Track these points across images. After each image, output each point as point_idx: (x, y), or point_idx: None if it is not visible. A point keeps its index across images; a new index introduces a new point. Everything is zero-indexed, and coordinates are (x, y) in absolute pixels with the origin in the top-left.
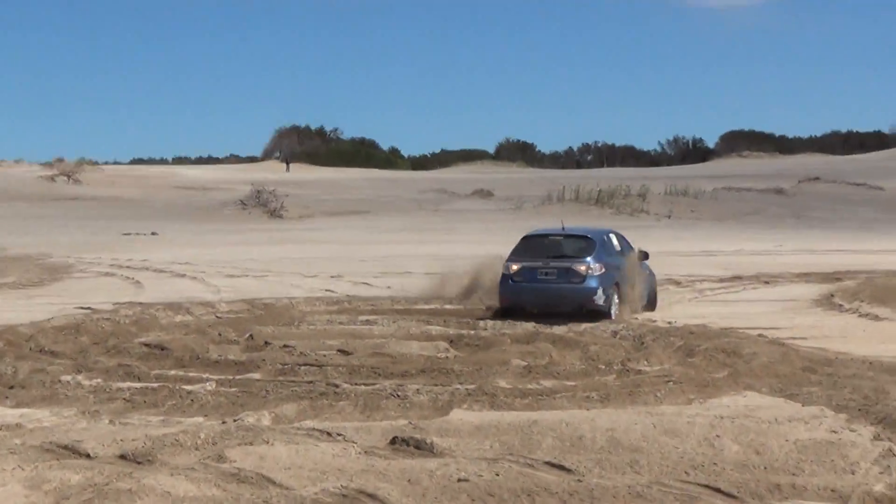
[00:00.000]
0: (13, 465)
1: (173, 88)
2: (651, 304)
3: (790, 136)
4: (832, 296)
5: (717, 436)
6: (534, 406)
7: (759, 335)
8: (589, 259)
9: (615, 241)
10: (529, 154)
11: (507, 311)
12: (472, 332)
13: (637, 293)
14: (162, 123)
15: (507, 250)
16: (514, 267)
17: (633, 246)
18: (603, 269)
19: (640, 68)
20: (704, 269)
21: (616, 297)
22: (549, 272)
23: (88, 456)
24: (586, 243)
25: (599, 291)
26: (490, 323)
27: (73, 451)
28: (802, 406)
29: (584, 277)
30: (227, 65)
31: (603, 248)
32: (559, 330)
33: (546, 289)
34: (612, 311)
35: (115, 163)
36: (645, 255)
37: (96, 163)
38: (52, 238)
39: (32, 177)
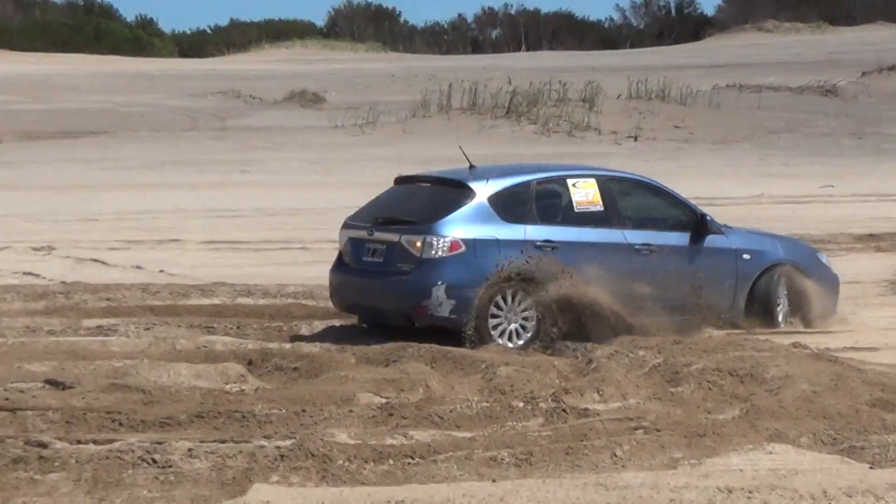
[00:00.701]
0: None
1: None
2: (765, 311)
3: None
4: None
5: None
6: (398, 476)
7: (794, 344)
8: (436, 226)
9: (586, 193)
10: (388, 29)
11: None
12: (289, 345)
13: (656, 298)
14: None
15: (353, 197)
16: (343, 239)
17: (686, 203)
18: (463, 248)
19: None
20: None
21: (523, 307)
22: (376, 250)
23: None
24: (456, 195)
25: (438, 292)
26: (320, 329)
27: None
28: (871, 468)
29: (416, 263)
30: None
31: (493, 207)
32: (443, 340)
33: (362, 283)
34: (502, 336)
35: None
36: (700, 224)
37: None
38: None
39: None
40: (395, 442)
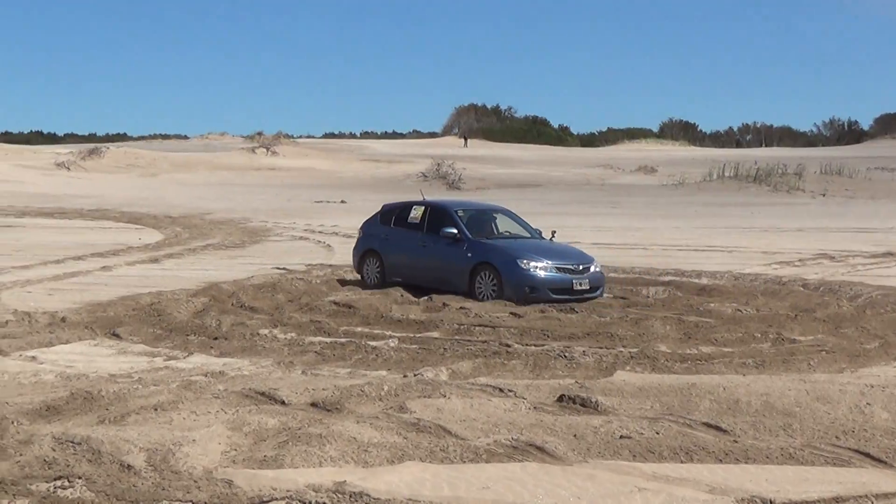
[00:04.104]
0: (217, 408)
1: (364, 70)
2: None
3: None
4: None
5: (868, 404)
6: (692, 370)
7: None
8: None
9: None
10: (691, 133)
11: None
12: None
13: None
14: (352, 102)
15: (668, 224)
16: None
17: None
18: None
19: (799, 54)
20: (857, 244)
21: None
22: None
23: (283, 402)
24: None
25: None
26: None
27: (270, 397)
28: None
29: None
30: (413, 49)
31: None
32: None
33: None
34: None
35: (309, 136)
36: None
37: (292, 136)
38: (251, 204)
39: (235, 149)
40: (691, 352)
